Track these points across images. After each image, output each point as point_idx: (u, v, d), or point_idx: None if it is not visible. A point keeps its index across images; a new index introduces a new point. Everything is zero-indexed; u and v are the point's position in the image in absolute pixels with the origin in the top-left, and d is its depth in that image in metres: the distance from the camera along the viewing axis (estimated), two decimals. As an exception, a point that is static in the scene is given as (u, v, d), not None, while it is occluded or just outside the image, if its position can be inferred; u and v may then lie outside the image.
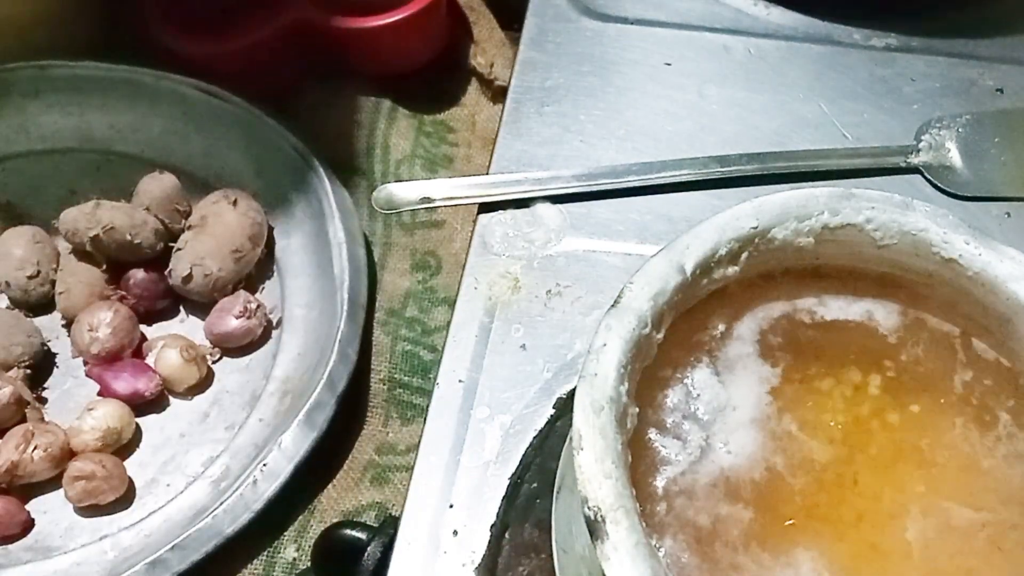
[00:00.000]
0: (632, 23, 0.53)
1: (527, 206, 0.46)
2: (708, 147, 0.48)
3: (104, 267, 0.50)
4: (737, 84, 0.50)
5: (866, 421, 0.29)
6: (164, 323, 0.52)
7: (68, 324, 0.51)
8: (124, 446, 0.47)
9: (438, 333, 0.50)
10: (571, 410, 0.25)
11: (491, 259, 0.44)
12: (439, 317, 0.50)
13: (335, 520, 0.44)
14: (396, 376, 0.49)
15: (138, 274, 0.51)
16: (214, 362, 0.50)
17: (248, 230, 0.51)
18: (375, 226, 0.53)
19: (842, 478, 0.28)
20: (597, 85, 0.50)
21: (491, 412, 0.40)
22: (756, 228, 0.29)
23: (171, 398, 0.49)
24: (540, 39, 0.52)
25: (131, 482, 0.46)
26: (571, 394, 0.40)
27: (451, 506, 0.38)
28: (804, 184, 0.45)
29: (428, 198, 0.46)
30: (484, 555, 0.37)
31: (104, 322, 0.48)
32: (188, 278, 0.49)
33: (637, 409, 0.27)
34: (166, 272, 0.50)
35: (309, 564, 0.43)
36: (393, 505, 0.45)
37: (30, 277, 0.50)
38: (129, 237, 0.50)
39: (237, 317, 0.49)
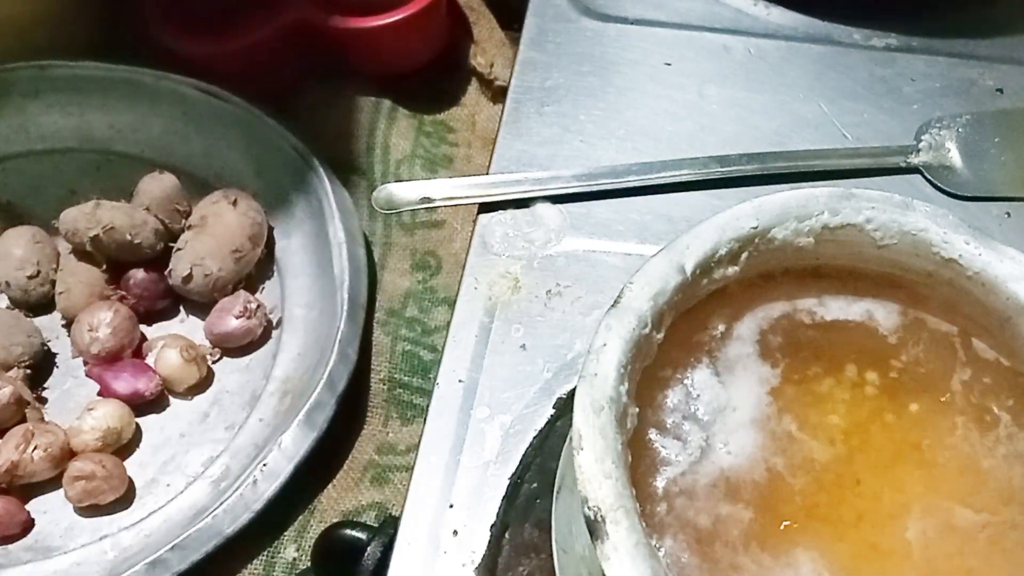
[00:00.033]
0: (632, 23, 0.53)
1: (527, 206, 0.46)
2: (708, 147, 0.48)
3: (104, 267, 0.50)
4: (737, 84, 0.50)
5: (866, 421, 0.29)
6: (164, 323, 0.52)
7: (68, 324, 0.51)
8: (124, 446, 0.47)
9: (438, 333, 0.50)
10: (571, 410, 0.25)
11: (491, 259, 0.44)
12: (439, 317, 0.50)
13: (335, 520, 0.44)
14: (396, 376, 0.49)
15: (138, 274, 0.51)
16: (214, 362, 0.50)
17: (248, 230, 0.51)
18: (375, 226, 0.53)
19: (842, 478, 0.28)
20: (597, 85, 0.50)
21: (491, 412, 0.40)
22: (756, 228, 0.29)
23: (171, 398, 0.49)
24: (540, 39, 0.52)
25: (131, 482, 0.46)
26: (571, 394, 0.40)
27: (451, 506, 0.38)
28: (804, 184, 0.45)
29: (428, 198, 0.46)
30: (484, 555, 0.37)
31: (104, 322, 0.48)
32: (188, 278, 0.49)
33: (637, 409, 0.27)
34: (166, 272, 0.50)
35: (309, 564, 0.43)
36: (393, 505, 0.45)
37: (30, 277, 0.50)
38: (129, 237, 0.50)
39: (237, 317, 0.49)
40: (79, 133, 0.55)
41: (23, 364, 0.48)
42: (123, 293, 0.50)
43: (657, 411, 0.29)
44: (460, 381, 0.41)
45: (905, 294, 0.31)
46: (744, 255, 0.29)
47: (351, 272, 0.49)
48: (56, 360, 0.50)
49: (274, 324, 0.51)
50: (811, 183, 0.46)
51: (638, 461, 0.27)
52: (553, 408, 0.40)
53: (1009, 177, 0.47)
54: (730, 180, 0.46)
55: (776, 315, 0.31)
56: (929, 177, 0.47)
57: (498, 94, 0.58)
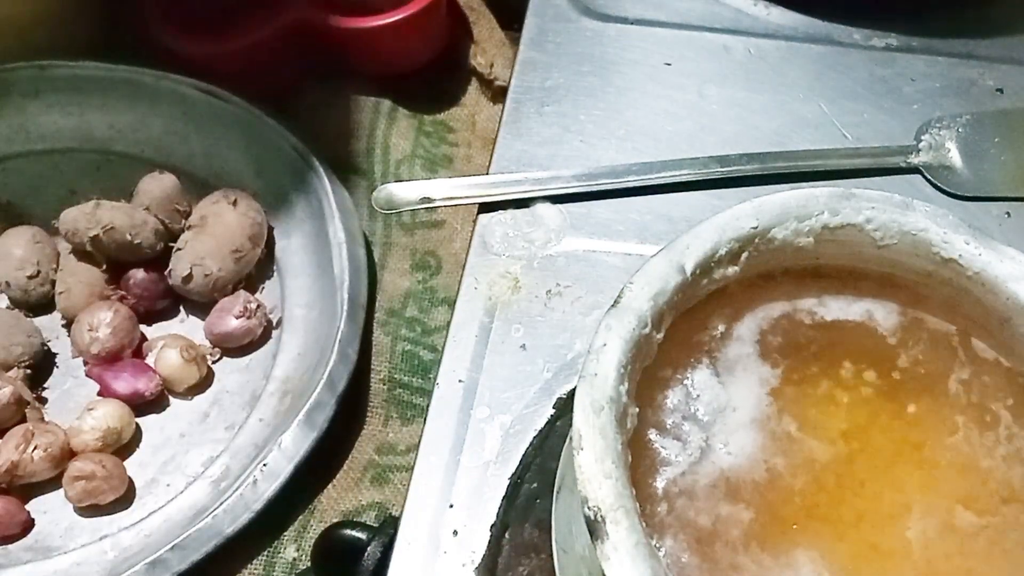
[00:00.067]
0: (632, 23, 0.53)
1: (527, 206, 0.46)
2: (708, 147, 0.48)
3: (104, 267, 0.50)
4: (737, 84, 0.50)
5: (866, 421, 0.29)
6: (164, 323, 0.52)
7: (68, 324, 0.51)
8: (124, 446, 0.47)
9: (438, 333, 0.50)
10: (571, 410, 0.25)
11: (491, 259, 0.44)
12: (439, 317, 0.50)
13: (335, 520, 0.44)
14: (396, 376, 0.49)
15: (138, 274, 0.51)
16: (214, 362, 0.50)
17: (248, 230, 0.51)
18: (375, 226, 0.53)
19: (842, 478, 0.28)
20: (597, 85, 0.50)
21: (491, 412, 0.40)
22: (756, 228, 0.29)
23: (171, 398, 0.49)
24: (540, 39, 0.52)
25: (131, 482, 0.46)
26: (571, 394, 0.40)
27: (451, 506, 0.38)
28: (804, 184, 0.45)
29: (428, 198, 0.46)
30: (484, 555, 0.37)
31: (104, 322, 0.48)
32: (188, 278, 0.49)
33: (637, 409, 0.27)
34: (166, 272, 0.50)
35: (309, 564, 0.43)
36: (393, 505, 0.45)
37: (30, 277, 0.50)
38: (129, 237, 0.50)
39: (237, 317, 0.49)
40: (79, 133, 0.55)
41: (23, 364, 0.48)
42: (123, 293, 0.50)
43: (657, 411, 0.29)
44: (460, 381, 0.41)
45: (905, 294, 0.31)
46: (744, 255, 0.29)
47: (351, 272, 0.49)
48: (56, 360, 0.50)
49: (274, 324, 0.51)
50: (811, 183, 0.46)
51: (638, 461, 0.27)
52: (553, 408, 0.40)
53: (1009, 177, 0.47)
54: (730, 180, 0.46)
55: (776, 315, 0.31)
56: (929, 177, 0.47)
57: (498, 94, 0.58)
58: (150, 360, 0.49)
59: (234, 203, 0.51)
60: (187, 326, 0.51)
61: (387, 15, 0.55)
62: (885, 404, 0.29)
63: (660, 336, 0.28)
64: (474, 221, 0.46)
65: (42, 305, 0.51)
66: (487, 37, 0.60)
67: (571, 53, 0.51)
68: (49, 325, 0.51)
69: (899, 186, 0.47)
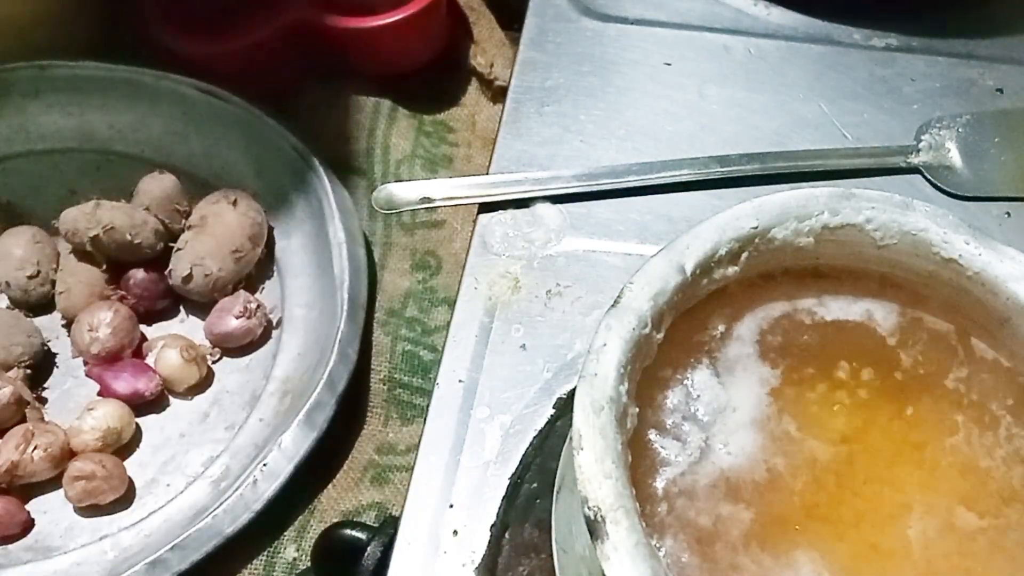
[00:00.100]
0: (632, 23, 0.53)
1: (527, 206, 0.46)
2: (708, 147, 0.48)
3: (104, 267, 0.50)
4: (737, 84, 0.50)
5: (866, 421, 0.29)
6: (164, 323, 0.52)
7: (68, 324, 0.51)
8: (124, 446, 0.47)
9: (438, 333, 0.50)
10: (571, 410, 0.25)
11: (491, 259, 0.44)
12: (439, 317, 0.50)
13: (335, 520, 0.44)
14: (396, 376, 0.49)
15: (138, 274, 0.51)
16: (214, 362, 0.50)
17: (248, 230, 0.51)
18: (375, 226, 0.53)
19: (842, 478, 0.28)
20: (597, 85, 0.50)
21: (491, 412, 0.40)
22: (756, 228, 0.29)
23: (171, 398, 0.49)
24: (540, 39, 0.52)
25: (131, 482, 0.46)
26: (571, 394, 0.40)
27: (451, 506, 0.38)
28: (804, 184, 0.45)
29: (428, 198, 0.46)
30: (484, 555, 0.37)
31: (104, 322, 0.48)
32: (188, 278, 0.49)
33: (637, 409, 0.27)
34: (166, 272, 0.50)
35: (309, 564, 0.43)
36: (393, 505, 0.45)
37: (30, 277, 0.50)
38: (129, 237, 0.50)
39: (237, 317, 0.49)
40: (79, 133, 0.55)
41: (23, 364, 0.48)
42: (123, 293, 0.50)
43: (657, 411, 0.29)
44: (460, 381, 0.41)
45: (905, 294, 0.31)
46: (744, 255, 0.29)
47: (351, 272, 0.49)
48: (56, 360, 0.50)
49: (274, 324, 0.51)
50: (811, 183, 0.46)
51: (638, 461, 0.27)
52: (553, 408, 0.40)
53: (1009, 177, 0.47)
54: (730, 180, 0.46)
55: (776, 315, 0.31)
56: (929, 177, 0.47)
57: (498, 94, 0.58)
58: (150, 360, 0.49)
59: (234, 203, 0.51)
60: (187, 326, 0.51)
61: (387, 15, 0.55)
62: (885, 404, 0.29)
63: (660, 336, 0.28)
64: (474, 221, 0.46)
65: (42, 305, 0.51)
66: (487, 37, 0.60)
67: (571, 53, 0.51)
68: (49, 325, 0.51)
69: (899, 186, 0.47)
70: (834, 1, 0.53)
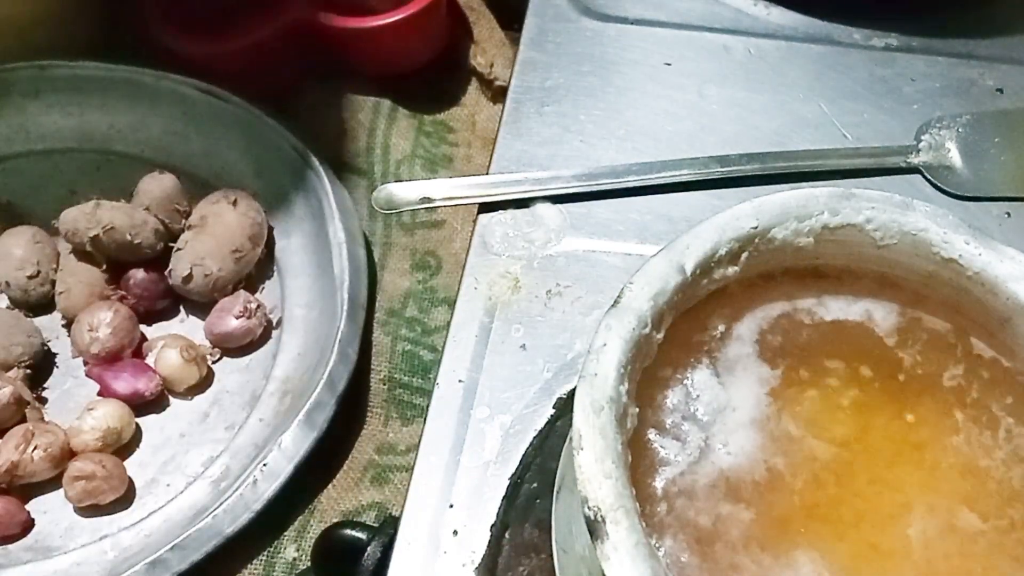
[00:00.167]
0: (632, 23, 0.53)
1: (527, 206, 0.46)
2: (708, 147, 0.48)
3: (104, 267, 0.50)
4: (737, 84, 0.50)
5: (866, 421, 0.29)
6: (164, 323, 0.52)
7: (68, 324, 0.51)
8: (124, 446, 0.47)
9: (438, 333, 0.50)
10: (571, 410, 0.25)
11: (491, 259, 0.44)
12: (439, 317, 0.50)
13: (335, 520, 0.44)
14: (396, 376, 0.49)
15: (138, 274, 0.51)
16: (214, 362, 0.50)
17: (248, 230, 0.51)
18: (375, 226, 0.53)
19: (842, 478, 0.28)
20: (597, 85, 0.50)
21: (491, 412, 0.40)
22: (756, 228, 0.29)
23: (171, 398, 0.49)
24: (540, 39, 0.52)
25: (131, 482, 0.46)
26: (571, 394, 0.40)
27: (451, 506, 0.38)
28: (804, 184, 0.45)
29: (428, 198, 0.46)
30: (484, 555, 0.37)
31: (104, 322, 0.48)
32: (188, 278, 0.49)
33: (637, 409, 0.27)
34: (166, 272, 0.50)
35: (309, 564, 0.43)
36: (393, 505, 0.45)
37: (30, 277, 0.50)
38: (129, 237, 0.50)
39: (237, 317, 0.49)
40: (79, 133, 0.55)
41: (23, 364, 0.48)
42: (123, 293, 0.50)
43: (657, 411, 0.29)
44: (460, 381, 0.41)
45: (905, 294, 0.31)
46: (744, 255, 0.29)
47: (351, 272, 0.49)
48: (56, 360, 0.50)
49: (274, 324, 0.51)
50: (811, 183, 0.46)
51: (638, 461, 0.27)
52: (553, 408, 0.40)
53: (1009, 177, 0.47)
54: (730, 180, 0.46)
55: (776, 315, 0.31)
56: (929, 177, 0.47)
57: (498, 94, 0.58)
58: (150, 360, 0.49)
59: (234, 203, 0.51)
60: (187, 326, 0.51)
61: (387, 15, 0.55)
62: (885, 404, 0.29)
63: (660, 336, 0.28)
64: (474, 221, 0.46)
65: (42, 305, 0.51)
66: (487, 37, 0.60)
67: (571, 53, 0.51)
68: (49, 325, 0.51)
69: (899, 186, 0.47)
70: (834, 1, 0.53)
